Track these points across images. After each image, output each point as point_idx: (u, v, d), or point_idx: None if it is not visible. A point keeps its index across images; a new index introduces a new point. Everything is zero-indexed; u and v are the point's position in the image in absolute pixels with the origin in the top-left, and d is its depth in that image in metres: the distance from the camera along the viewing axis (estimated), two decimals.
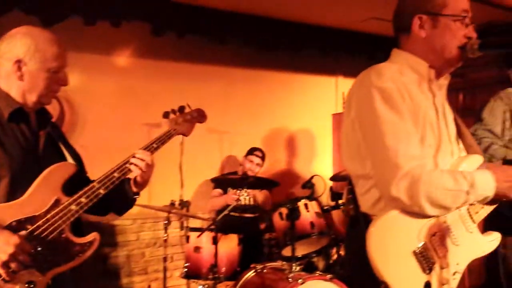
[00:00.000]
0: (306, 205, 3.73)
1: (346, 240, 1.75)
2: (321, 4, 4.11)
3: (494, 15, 3.78)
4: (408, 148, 1.50)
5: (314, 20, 4.66)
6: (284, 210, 3.71)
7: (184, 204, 4.05)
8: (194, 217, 3.96)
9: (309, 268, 3.99)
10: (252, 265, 3.51)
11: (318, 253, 3.97)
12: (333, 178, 4.68)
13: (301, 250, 3.80)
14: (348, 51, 5.17)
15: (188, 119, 2.25)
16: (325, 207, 3.95)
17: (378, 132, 1.54)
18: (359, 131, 1.61)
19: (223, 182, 4.46)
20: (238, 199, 3.82)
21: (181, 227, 4.27)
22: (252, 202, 4.38)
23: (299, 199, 3.73)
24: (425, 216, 1.54)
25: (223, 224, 3.67)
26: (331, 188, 4.59)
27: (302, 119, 5.49)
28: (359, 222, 1.64)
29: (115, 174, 1.83)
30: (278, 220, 3.76)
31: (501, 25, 3.90)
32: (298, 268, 3.39)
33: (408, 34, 1.69)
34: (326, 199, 4.52)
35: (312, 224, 3.70)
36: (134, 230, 4.42)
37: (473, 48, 1.61)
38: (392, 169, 1.49)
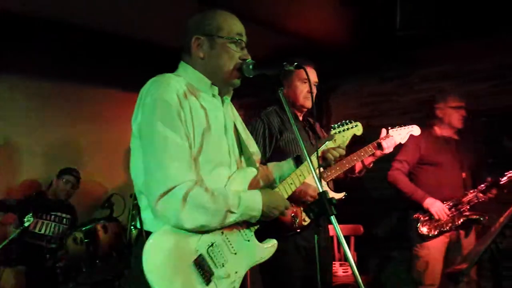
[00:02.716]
0: (105, 226, 3.51)
1: (131, 258, 1.65)
2: (129, 17, 3.90)
3: (281, 41, 4.15)
4: (177, 166, 1.52)
5: (120, 32, 4.38)
6: (79, 234, 3.42)
7: None
8: None
9: None
10: None
11: (119, 276, 3.75)
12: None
13: (102, 274, 3.55)
14: (153, 65, 5.04)
15: None
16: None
17: (153, 146, 1.53)
18: (140, 141, 1.59)
19: (9, 207, 3.87)
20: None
21: None
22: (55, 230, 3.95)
23: (96, 220, 3.49)
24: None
25: (7, 254, 3.22)
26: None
27: (110, 135, 5.16)
28: (142, 240, 1.56)
29: None
30: (73, 245, 3.44)
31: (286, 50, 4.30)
32: None
33: (190, 54, 1.76)
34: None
35: (111, 246, 3.48)
36: None
37: (248, 69, 1.72)
38: (159, 184, 1.50)
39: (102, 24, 3.90)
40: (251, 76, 1.73)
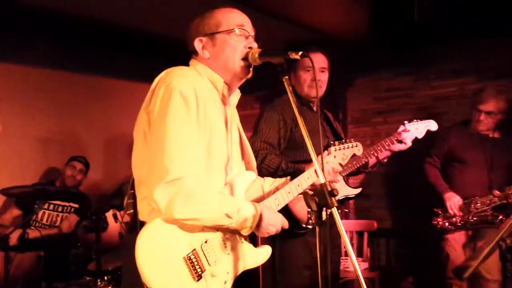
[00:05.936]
0: (115, 215, 3.53)
1: (125, 248, 1.65)
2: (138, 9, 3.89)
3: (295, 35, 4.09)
4: (185, 158, 1.49)
5: (129, 25, 4.39)
6: (89, 223, 3.46)
7: None
8: None
9: (119, 281, 3.78)
10: (54, 285, 3.22)
11: None
12: None
13: (111, 263, 3.59)
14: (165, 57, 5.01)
15: None
16: None
17: (163, 135, 1.51)
18: (150, 129, 1.57)
19: (14, 195, 3.83)
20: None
21: None
22: (56, 219, 4.03)
23: (106, 209, 3.51)
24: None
25: (19, 241, 3.28)
26: None
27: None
28: (136, 230, 1.56)
29: None
30: (83, 233, 3.50)
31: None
32: (103, 283, 3.20)
33: (197, 57, 1.75)
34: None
35: (121, 235, 3.51)
36: None
37: (254, 57, 1.68)
38: (162, 172, 1.48)
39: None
40: (257, 64, 1.70)
